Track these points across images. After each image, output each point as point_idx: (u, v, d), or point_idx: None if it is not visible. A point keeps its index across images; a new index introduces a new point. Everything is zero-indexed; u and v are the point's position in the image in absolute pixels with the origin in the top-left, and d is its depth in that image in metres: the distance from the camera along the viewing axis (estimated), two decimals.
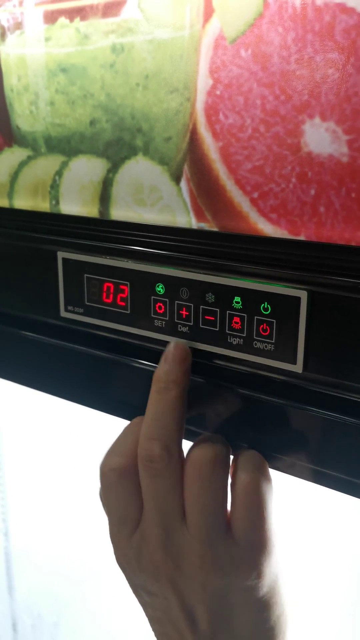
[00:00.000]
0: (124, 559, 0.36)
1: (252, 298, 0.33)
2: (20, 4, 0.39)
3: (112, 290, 0.39)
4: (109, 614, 0.73)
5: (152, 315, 0.37)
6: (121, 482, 0.34)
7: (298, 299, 0.32)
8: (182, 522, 0.34)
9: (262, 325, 0.33)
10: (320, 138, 0.30)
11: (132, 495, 0.34)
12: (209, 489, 0.33)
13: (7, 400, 0.75)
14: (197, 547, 0.33)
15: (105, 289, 0.39)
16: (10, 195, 0.44)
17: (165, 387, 0.34)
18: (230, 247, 0.34)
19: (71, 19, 0.37)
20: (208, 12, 0.32)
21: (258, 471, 0.34)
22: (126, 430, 0.36)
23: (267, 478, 0.34)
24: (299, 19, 0.29)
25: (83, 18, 0.36)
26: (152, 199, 0.37)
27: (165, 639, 0.36)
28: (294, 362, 0.33)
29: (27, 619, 0.78)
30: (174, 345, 0.35)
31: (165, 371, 0.34)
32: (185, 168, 0.35)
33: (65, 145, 0.39)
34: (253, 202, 0.33)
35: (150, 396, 0.34)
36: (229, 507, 0.34)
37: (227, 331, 0.35)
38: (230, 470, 0.34)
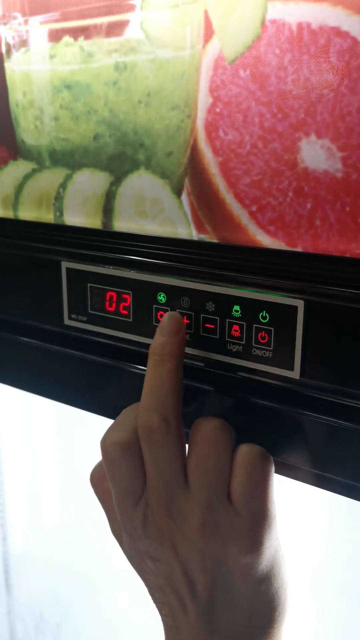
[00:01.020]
0: (130, 525, 0.36)
1: (251, 307, 0.34)
2: (26, 22, 0.40)
3: (114, 299, 0.40)
4: (112, 615, 0.74)
5: (154, 324, 0.38)
6: (124, 455, 0.35)
7: (295, 307, 0.33)
8: (184, 488, 0.35)
9: (260, 333, 0.34)
10: (315, 154, 0.31)
11: (135, 467, 0.35)
12: (214, 453, 0.34)
13: (5, 403, 0.76)
14: (198, 512, 0.34)
15: (108, 297, 0.40)
16: (15, 206, 0.45)
17: (161, 360, 0.35)
18: (229, 258, 0.36)
19: (75, 38, 0.38)
20: (208, 34, 0.33)
21: (259, 446, 0.35)
22: (127, 409, 0.37)
23: (268, 454, 0.35)
24: (296, 42, 0.31)
25: (87, 37, 0.38)
26: (154, 211, 0.38)
27: (167, 608, 0.36)
28: (292, 368, 0.34)
29: (30, 620, 0.79)
30: (168, 317, 0.35)
31: (161, 343, 0.35)
32: (186, 182, 0.36)
33: (69, 159, 0.41)
34: (252, 214, 0.34)
35: (147, 369, 0.35)
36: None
37: (226, 339, 0.36)
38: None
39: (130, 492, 0.36)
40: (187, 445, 0.36)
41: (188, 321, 0.37)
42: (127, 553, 0.38)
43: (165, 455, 0.34)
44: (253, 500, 0.34)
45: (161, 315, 0.38)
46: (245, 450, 0.34)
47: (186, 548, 0.35)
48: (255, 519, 0.34)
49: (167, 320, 0.35)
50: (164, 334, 0.35)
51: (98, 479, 0.40)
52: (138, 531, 0.36)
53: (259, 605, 0.35)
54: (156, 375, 0.35)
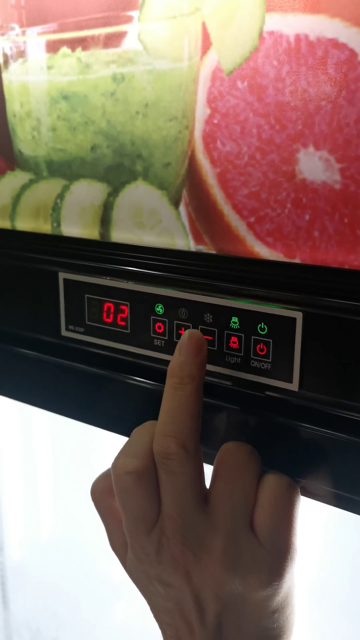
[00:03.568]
0: (142, 552, 0.35)
1: (249, 318, 0.34)
2: (23, 33, 0.40)
3: (112, 310, 0.40)
4: (109, 628, 0.73)
5: (152, 335, 0.38)
6: (138, 484, 0.33)
7: (294, 319, 0.33)
8: (203, 516, 0.33)
9: (259, 345, 0.34)
10: (314, 166, 0.31)
11: (150, 494, 0.34)
12: (241, 478, 0.33)
13: (1, 414, 0.75)
14: (219, 541, 0.33)
15: (105, 309, 0.40)
16: (12, 217, 0.45)
17: (181, 382, 0.33)
18: (227, 269, 0.35)
19: (73, 49, 0.38)
20: (206, 45, 0.33)
21: (287, 476, 0.34)
22: (140, 430, 0.35)
23: (295, 485, 0.34)
24: (293, 53, 0.31)
25: (85, 48, 0.38)
26: (152, 222, 0.38)
27: (172, 630, 0.35)
28: (290, 380, 0.34)
29: (26, 634, 0.78)
30: (188, 336, 0.33)
31: (180, 364, 0.33)
32: (184, 193, 0.36)
33: (67, 170, 0.41)
34: (250, 226, 0.34)
35: (165, 390, 0.34)
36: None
37: (225, 350, 0.36)
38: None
39: (143, 519, 0.34)
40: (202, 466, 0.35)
41: None
42: (132, 575, 0.37)
43: (183, 483, 0.33)
44: (278, 532, 0.33)
45: (159, 327, 0.38)
46: (273, 480, 0.33)
47: (201, 576, 0.33)
48: (279, 552, 0.33)
49: (186, 338, 0.33)
50: (183, 353, 0.33)
51: (100, 494, 0.38)
52: (150, 557, 0.34)
53: (268, 632, 0.34)
54: (175, 398, 0.33)
